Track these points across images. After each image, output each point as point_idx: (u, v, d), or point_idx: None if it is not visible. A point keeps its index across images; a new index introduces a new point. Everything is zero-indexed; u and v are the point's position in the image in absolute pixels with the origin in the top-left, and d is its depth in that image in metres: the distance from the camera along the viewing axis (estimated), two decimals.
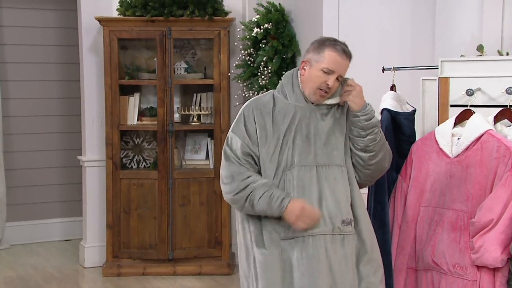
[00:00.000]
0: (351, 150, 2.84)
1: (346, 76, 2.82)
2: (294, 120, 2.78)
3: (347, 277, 2.77)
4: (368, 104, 2.79)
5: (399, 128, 3.25)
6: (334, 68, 2.72)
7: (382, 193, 3.13)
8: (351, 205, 2.83)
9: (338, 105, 2.84)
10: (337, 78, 2.75)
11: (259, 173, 2.79)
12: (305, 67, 2.79)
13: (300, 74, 2.82)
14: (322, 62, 2.73)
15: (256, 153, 2.78)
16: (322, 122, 2.79)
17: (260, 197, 2.71)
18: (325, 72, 2.72)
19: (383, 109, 3.25)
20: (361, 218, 2.84)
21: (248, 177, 2.74)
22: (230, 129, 2.86)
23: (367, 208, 3.19)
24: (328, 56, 2.72)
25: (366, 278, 2.82)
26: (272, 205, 2.70)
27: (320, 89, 2.75)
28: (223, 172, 2.82)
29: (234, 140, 2.80)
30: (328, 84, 2.73)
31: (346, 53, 2.75)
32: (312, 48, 2.79)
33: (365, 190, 3.27)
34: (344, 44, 2.78)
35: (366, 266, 2.82)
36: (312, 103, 2.80)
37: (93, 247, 5.59)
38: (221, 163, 2.85)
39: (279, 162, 2.76)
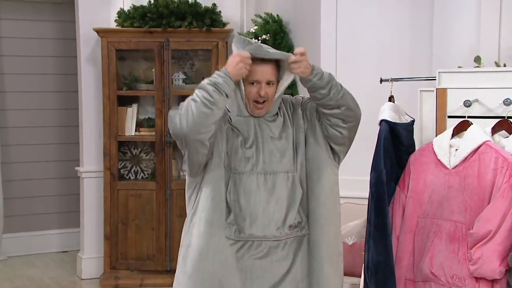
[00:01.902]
0: (327, 119, 2.76)
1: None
2: (244, 131, 2.77)
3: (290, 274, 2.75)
4: (312, 65, 2.72)
5: (398, 139, 3.25)
6: (258, 78, 2.71)
7: (382, 205, 3.12)
8: (310, 205, 2.78)
9: (284, 111, 2.82)
10: (268, 84, 2.72)
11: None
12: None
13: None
14: (247, 76, 2.71)
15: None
16: (267, 130, 2.77)
17: (199, 89, 2.63)
18: (253, 84, 2.72)
19: (382, 120, 3.25)
20: (319, 218, 2.78)
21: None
22: None
23: (367, 220, 3.18)
24: None
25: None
26: (212, 77, 2.63)
27: (256, 102, 2.74)
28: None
29: None
30: (260, 94, 2.72)
31: (261, 59, 2.70)
32: None
33: (365, 201, 3.27)
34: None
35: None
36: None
37: (91, 259, 5.58)
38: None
39: (228, 166, 2.73)
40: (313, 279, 2.78)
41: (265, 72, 2.72)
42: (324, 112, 2.75)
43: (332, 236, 2.80)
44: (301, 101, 2.88)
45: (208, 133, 2.63)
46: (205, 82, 2.64)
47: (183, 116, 2.61)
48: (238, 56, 2.65)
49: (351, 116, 2.77)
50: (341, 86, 2.76)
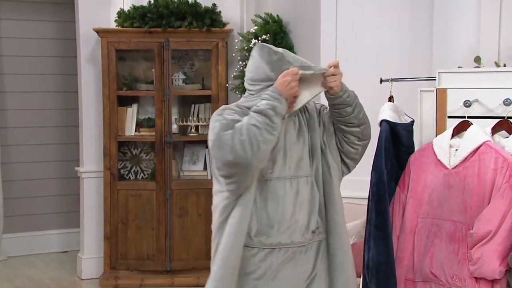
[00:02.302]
0: (344, 136, 2.77)
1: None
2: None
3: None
4: (342, 83, 2.71)
5: (398, 139, 3.25)
6: None
7: (383, 205, 3.12)
8: (325, 209, 2.80)
9: (298, 114, 2.80)
10: None
11: None
12: None
13: None
14: None
15: None
16: (290, 134, 2.76)
17: (258, 115, 2.55)
18: None
19: (382, 120, 3.25)
20: (337, 225, 2.81)
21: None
22: None
23: (368, 220, 3.18)
24: None
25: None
26: (268, 100, 2.56)
27: None
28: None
29: None
30: None
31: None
32: None
33: (365, 201, 3.27)
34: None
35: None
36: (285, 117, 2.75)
37: (91, 259, 5.58)
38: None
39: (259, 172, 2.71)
40: (335, 282, 2.79)
41: None
42: (343, 128, 2.76)
43: (347, 243, 2.83)
44: (315, 107, 2.87)
45: (267, 159, 2.63)
46: (263, 106, 2.57)
47: (247, 145, 2.52)
48: (288, 76, 2.59)
49: (367, 134, 2.80)
50: (361, 104, 2.77)
